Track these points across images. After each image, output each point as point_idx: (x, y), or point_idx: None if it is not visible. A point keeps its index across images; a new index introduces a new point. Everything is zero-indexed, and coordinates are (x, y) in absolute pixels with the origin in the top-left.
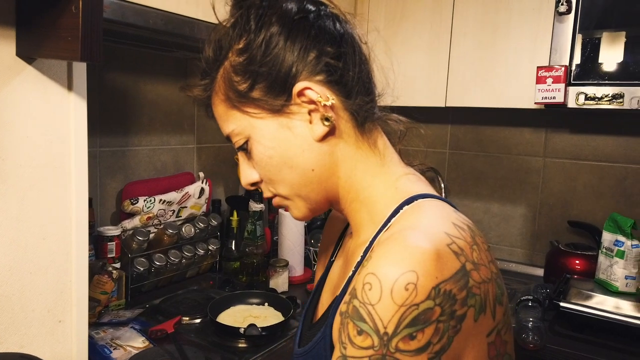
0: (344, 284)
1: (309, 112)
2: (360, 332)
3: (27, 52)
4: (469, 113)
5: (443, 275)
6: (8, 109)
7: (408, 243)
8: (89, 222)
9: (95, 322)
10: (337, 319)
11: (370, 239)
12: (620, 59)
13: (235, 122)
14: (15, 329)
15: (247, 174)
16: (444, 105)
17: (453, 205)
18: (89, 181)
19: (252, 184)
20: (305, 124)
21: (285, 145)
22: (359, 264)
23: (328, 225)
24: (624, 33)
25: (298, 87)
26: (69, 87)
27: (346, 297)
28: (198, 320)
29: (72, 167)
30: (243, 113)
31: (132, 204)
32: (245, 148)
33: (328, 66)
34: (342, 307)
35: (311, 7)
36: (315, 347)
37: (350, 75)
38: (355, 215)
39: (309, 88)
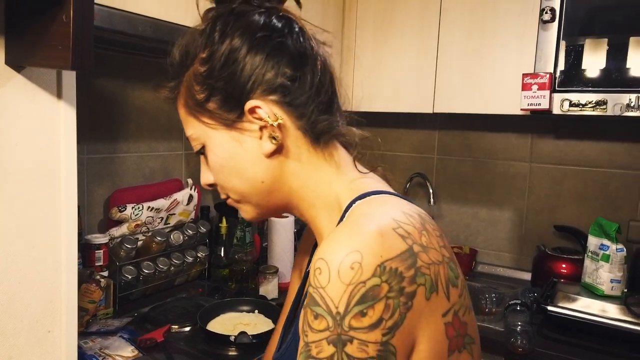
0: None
1: (260, 128)
2: (316, 317)
3: (17, 61)
4: (457, 119)
5: (388, 254)
6: None
7: (353, 227)
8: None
9: (83, 332)
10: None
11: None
12: (603, 65)
13: (193, 128)
14: (3, 339)
15: (205, 176)
16: (431, 112)
17: (410, 201)
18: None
19: (209, 185)
20: (256, 139)
21: (236, 158)
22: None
23: (304, 237)
24: (606, 40)
25: (249, 104)
26: (59, 95)
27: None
28: (187, 329)
29: (62, 175)
30: (199, 121)
31: (120, 211)
32: (202, 152)
33: (283, 87)
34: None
35: (277, 24)
36: (288, 348)
37: (304, 97)
38: (315, 221)
39: (259, 107)
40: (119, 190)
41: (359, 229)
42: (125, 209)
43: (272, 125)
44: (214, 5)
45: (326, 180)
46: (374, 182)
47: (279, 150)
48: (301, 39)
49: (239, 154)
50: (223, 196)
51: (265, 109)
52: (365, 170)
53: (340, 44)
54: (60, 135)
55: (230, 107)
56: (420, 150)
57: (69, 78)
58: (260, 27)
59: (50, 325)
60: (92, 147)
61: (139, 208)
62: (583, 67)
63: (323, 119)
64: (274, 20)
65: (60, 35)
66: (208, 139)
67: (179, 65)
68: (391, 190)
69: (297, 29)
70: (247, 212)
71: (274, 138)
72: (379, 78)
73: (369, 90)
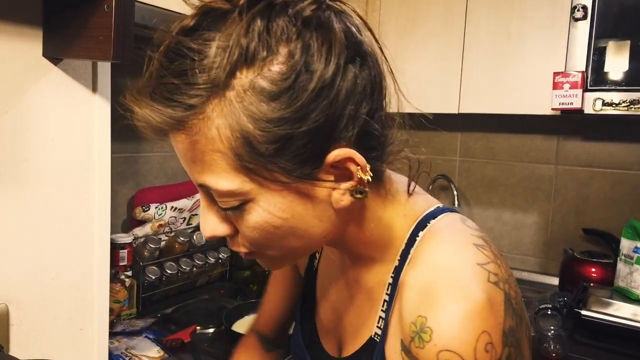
0: (377, 326)
1: (335, 179)
2: None
3: (54, 53)
4: (480, 120)
5: (501, 317)
6: (33, 111)
7: (461, 300)
8: None
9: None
10: None
11: (392, 274)
12: (637, 63)
13: (235, 184)
14: (37, 336)
15: (217, 228)
16: (457, 112)
17: (457, 211)
18: None
19: (217, 236)
20: (328, 192)
21: (300, 217)
22: (389, 303)
23: None
24: None
25: (338, 156)
26: (94, 88)
27: None
28: (211, 330)
29: (95, 171)
30: (250, 177)
31: (144, 211)
32: (238, 209)
33: (365, 125)
34: None
35: (361, 42)
36: None
37: (382, 134)
38: (362, 251)
39: (351, 159)
40: (142, 189)
41: (469, 301)
42: (149, 208)
43: (360, 178)
44: None
45: (378, 214)
46: (420, 198)
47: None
48: (371, 53)
49: (306, 213)
50: (241, 250)
51: (358, 160)
52: (409, 187)
53: None
54: (95, 129)
55: (307, 160)
56: (442, 152)
57: (104, 71)
58: (347, 43)
59: (82, 323)
60: (116, 146)
61: (162, 208)
62: (617, 67)
63: (387, 155)
64: (355, 31)
65: (100, 25)
66: (261, 196)
67: (203, 84)
68: (439, 204)
69: (365, 37)
70: (279, 264)
71: (359, 192)
72: (402, 79)
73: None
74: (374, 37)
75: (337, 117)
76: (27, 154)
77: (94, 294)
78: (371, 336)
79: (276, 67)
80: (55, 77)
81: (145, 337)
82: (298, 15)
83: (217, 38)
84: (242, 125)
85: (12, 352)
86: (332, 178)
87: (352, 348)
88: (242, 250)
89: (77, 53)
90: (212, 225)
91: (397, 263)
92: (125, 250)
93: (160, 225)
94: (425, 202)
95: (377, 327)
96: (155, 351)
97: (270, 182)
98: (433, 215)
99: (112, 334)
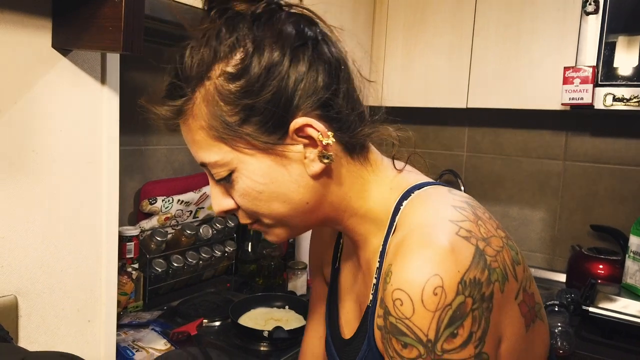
0: (371, 293)
1: (304, 147)
2: (405, 346)
3: (64, 44)
4: (488, 115)
5: (464, 266)
6: (42, 102)
7: (421, 246)
8: None
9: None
10: (377, 332)
11: (382, 243)
12: None
13: (219, 154)
14: (45, 328)
15: (222, 203)
16: (465, 107)
17: (447, 186)
18: None
19: (226, 211)
20: (300, 159)
21: (278, 182)
22: (379, 270)
23: (315, 233)
24: None
25: (297, 123)
26: (102, 80)
27: (379, 311)
28: (218, 323)
29: (104, 163)
30: (230, 147)
31: (151, 203)
32: (226, 179)
33: (327, 100)
34: (378, 321)
35: (310, 33)
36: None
37: (345, 107)
38: (357, 228)
39: (309, 125)
40: (149, 182)
41: (429, 248)
42: (156, 201)
43: (322, 143)
44: (226, 4)
45: (366, 187)
46: (409, 175)
47: (325, 168)
48: (330, 42)
49: (283, 177)
50: (246, 221)
51: (317, 126)
52: (400, 165)
53: (370, 40)
54: (103, 121)
55: (273, 129)
56: (449, 147)
57: (113, 63)
58: (294, 36)
59: (90, 315)
60: (123, 138)
61: (169, 201)
62: (628, 62)
63: (361, 128)
64: (305, 28)
65: (111, 16)
66: (241, 164)
67: (190, 79)
68: (428, 179)
69: (323, 32)
70: (278, 235)
71: (325, 157)
72: (409, 73)
73: (399, 85)
74: (327, 25)
75: (291, 90)
76: (36, 145)
77: (102, 286)
78: (368, 305)
79: (237, 55)
80: (65, 68)
81: (152, 329)
82: (253, 15)
83: (197, 44)
84: (215, 103)
85: (21, 343)
86: (300, 146)
87: (350, 324)
88: (245, 220)
89: (86, 44)
90: (217, 200)
91: (385, 232)
92: (132, 243)
93: (167, 218)
94: (414, 178)
95: (372, 294)
96: (162, 343)
97: (246, 150)
98: (419, 187)
99: (119, 326)
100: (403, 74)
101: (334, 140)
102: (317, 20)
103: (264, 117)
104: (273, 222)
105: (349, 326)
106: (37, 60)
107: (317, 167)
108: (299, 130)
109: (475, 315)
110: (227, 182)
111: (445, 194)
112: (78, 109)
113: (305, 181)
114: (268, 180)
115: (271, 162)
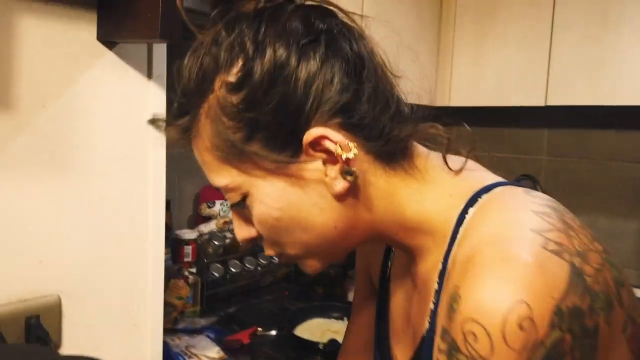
0: (428, 320)
1: (324, 163)
2: None
3: (107, 36)
4: (570, 114)
5: (558, 290)
6: (87, 96)
7: (499, 265)
8: (166, 224)
9: (170, 329)
10: None
11: (442, 260)
12: None
13: (227, 178)
14: (90, 329)
15: (243, 231)
16: (543, 104)
17: (523, 186)
18: (167, 183)
19: (250, 240)
20: (320, 178)
21: (297, 207)
22: (438, 292)
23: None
24: None
25: (311, 135)
26: (149, 75)
27: (441, 344)
28: (273, 332)
29: (150, 160)
30: (237, 169)
31: (209, 207)
32: (240, 205)
33: (346, 104)
34: (440, 358)
35: (322, 26)
36: None
37: (372, 110)
38: (410, 242)
39: (325, 137)
40: (208, 186)
41: (509, 266)
42: (214, 205)
43: (341, 158)
44: (229, 3)
45: (415, 198)
46: (473, 174)
47: (351, 185)
48: (350, 34)
49: (301, 202)
50: (270, 252)
51: (334, 138)
52: (459, 164)
53: (437, 35)
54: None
55: (283, 145)
56: (525, 151)
57: (159, 56)
58: (303, 31)
59: (136, 317)
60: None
61: (227, 205)
62: None
63: (397, 131)
64: (316, 21)
65: (149, 4)
66: (253, 188)
67: (193, 94)
68: (498, 179)
69: (341, 24)
70: (311, 266)
71: (348, 173)
72: (480, 70)
73: (469, 83)
74: (347, 15)
75: (301, 96)
76: (79, 141)
77: (148, 289)
78: (423, 335)
79: (238, 61)
80: (110, 62)
81: (207, 335)
82: (255, 12)
83: (196, 52)
84: (218, 119)
85: (64, 344)
86: (318, 162)
87: (403, 347)
88: (270, 252)
89: (127, 34)
90: (239, 229)
91: (446, 247)
92: (190, 247)
93: (225, 223)
94: (479, 178)
95: (428, 321)
96: (215, 351)
97: (256, 171)
98: (487, 189)
99: (174, 331)
100: (473, 69)
101: (359, 151)
102: (335, 11)
103: (270, 132)
104: (300, 253)
105: (401, 352)
106: (82, 53)
107: (340, 186)
108: (315, 144)
109: (575, 357)
110: (241, 207)
111: (522, 196)
112: (123, 104)
113: (329, 203)
114: (284, 204)
115: (285, 185)
